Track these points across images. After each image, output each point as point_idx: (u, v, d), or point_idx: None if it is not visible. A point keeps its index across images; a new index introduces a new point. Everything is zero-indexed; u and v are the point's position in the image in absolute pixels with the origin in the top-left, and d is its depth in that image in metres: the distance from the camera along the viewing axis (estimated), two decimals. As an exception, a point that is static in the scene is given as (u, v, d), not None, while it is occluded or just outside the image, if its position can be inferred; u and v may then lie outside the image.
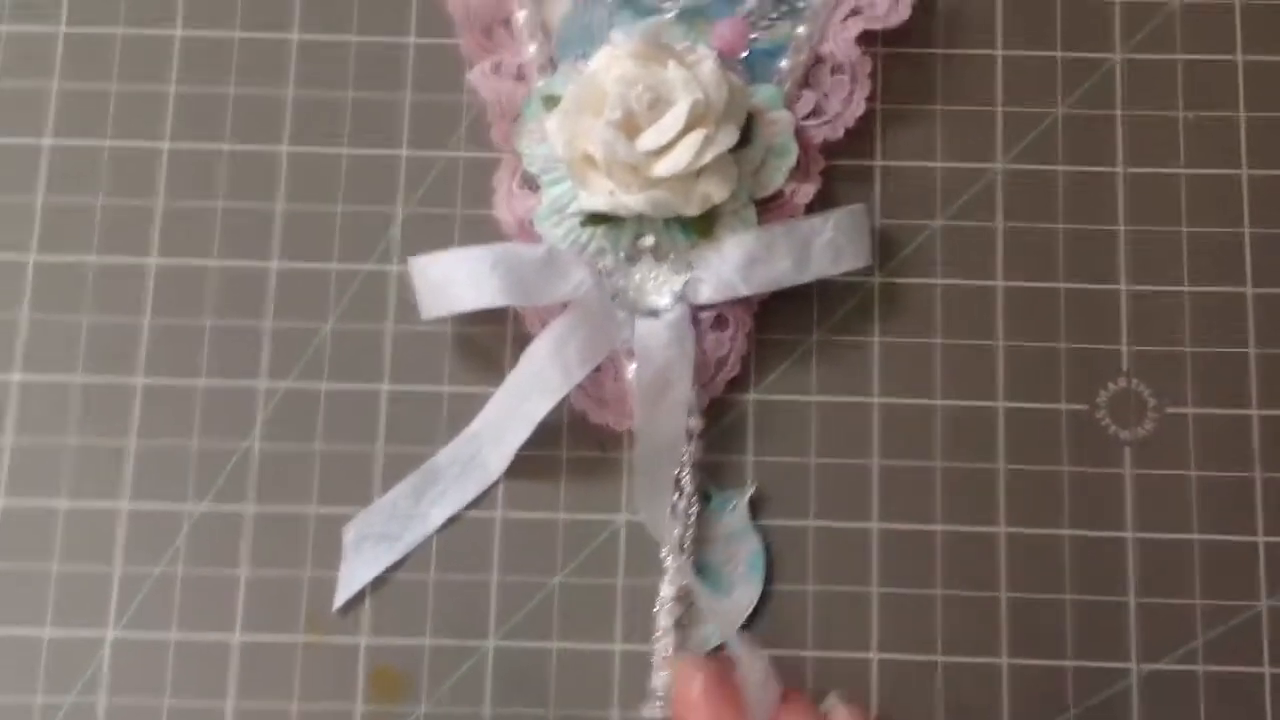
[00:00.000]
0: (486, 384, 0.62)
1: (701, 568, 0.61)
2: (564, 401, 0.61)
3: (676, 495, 0.61)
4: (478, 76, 0.64)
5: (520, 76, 0.64)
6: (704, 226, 0.61)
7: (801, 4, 0.64)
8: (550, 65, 0.64)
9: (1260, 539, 0.61)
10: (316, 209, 0.64)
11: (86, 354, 0.63)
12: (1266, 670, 0.60)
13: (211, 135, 0.65)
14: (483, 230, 0.64)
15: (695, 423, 0.61)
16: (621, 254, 0.62)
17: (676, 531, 0.61)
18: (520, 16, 0.64)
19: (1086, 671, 0.60)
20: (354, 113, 0.65)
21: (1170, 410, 0.62)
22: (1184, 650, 0.60)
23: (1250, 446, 0.62)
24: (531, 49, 0.64)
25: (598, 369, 0.62)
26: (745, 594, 0.61)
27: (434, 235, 0.64)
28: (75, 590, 0.61)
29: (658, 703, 0.60)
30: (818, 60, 0.64)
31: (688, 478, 0.61)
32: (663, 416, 0.61)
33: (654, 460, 0.61)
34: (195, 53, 0.66)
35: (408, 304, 0.62)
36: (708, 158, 0.60)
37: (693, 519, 0.61)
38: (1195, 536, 0.61)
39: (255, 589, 0.61)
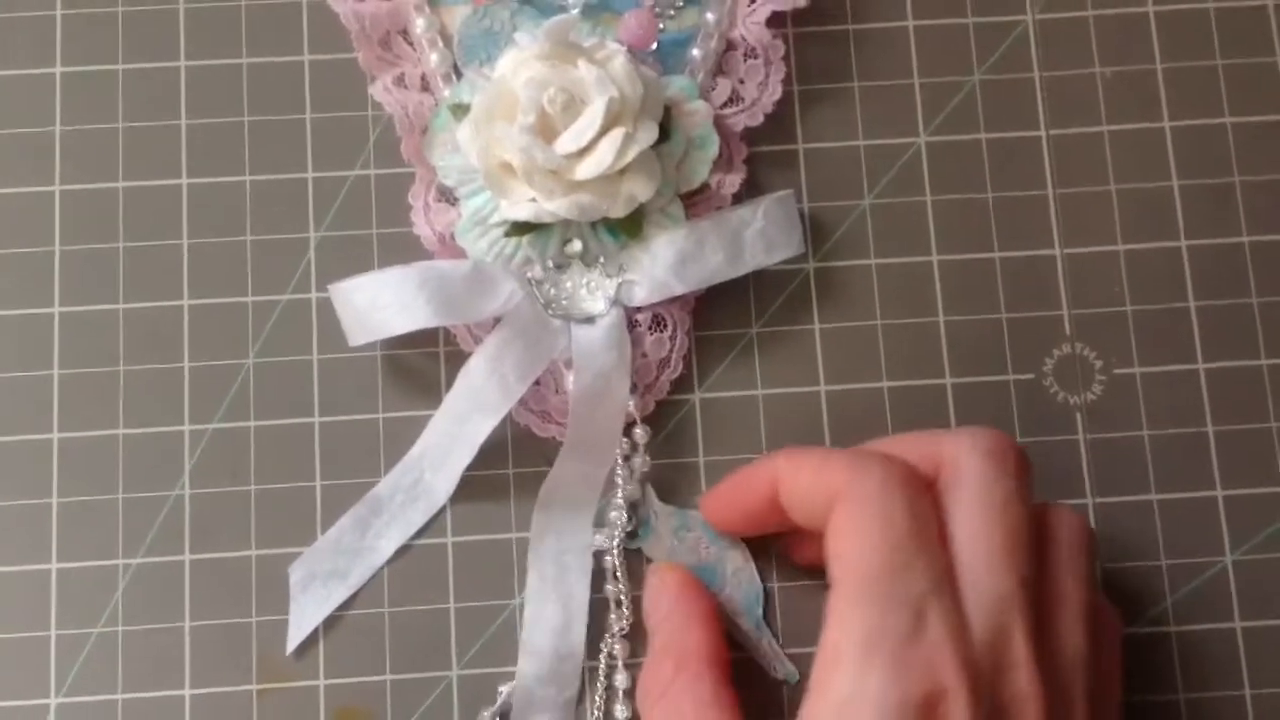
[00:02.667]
0: (423, 407, 0.61)
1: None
2: (506, 417, 0.60)
3: (620, 514, 0.60)
4: (381, 90, 0.62)
5: (425, 87, 0.62)
6: (632, 227, 0.60)
7: (706, -11, 0.63)
8: (454, 73, 0.62)
9: (1219, 493, 0.61)
10: (225, 241, 0.62)
11: (-4, 412, 0.62)
12: (1238, 625, 0.60)
13: (104, 174, 0.63)
14: (402, 248, 0.62)
15: (642, 433, 0.61)
16: (550, 262, 0.60)
17: (610, 559, 0.60)
18: (418, 25, 0.62)
19: (1060, 642, 0.60)
20: (253, 138, 0.63)
21: (1117, 371, 0.62)
22: (1154, 612, 0.60)
23: (1200, 401, 0.62)
24: (433, 58, 0.62)
25: (537, 382, 0.60)
26: (734, 553, 0.60)
27: (352, 257, 0.62)
28: (11, 659, 0.59)
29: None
30: (729, 46, 0.63)
31: (644, 492, 0.61)
32: (599, 423, 0.60)
33: (582, 469, 0.60)
34: (77, 90, 0.63)
35: (332, 331, 0.60)
36: (630, 156, 0.58)
37: (619, 544, 0.60)
38: (1154, 497, 0.61)
39: (202, 640, 0.59)
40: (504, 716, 0.59)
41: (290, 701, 0.59)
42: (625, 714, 0.59)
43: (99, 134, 0.63)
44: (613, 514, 0.60)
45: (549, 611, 0.60)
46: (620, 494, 0.60)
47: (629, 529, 0.60)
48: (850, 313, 0.62)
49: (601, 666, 0.60)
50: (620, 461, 0.61)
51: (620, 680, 0.60)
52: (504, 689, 0.59)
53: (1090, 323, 0.62)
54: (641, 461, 0.61)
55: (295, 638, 0.60)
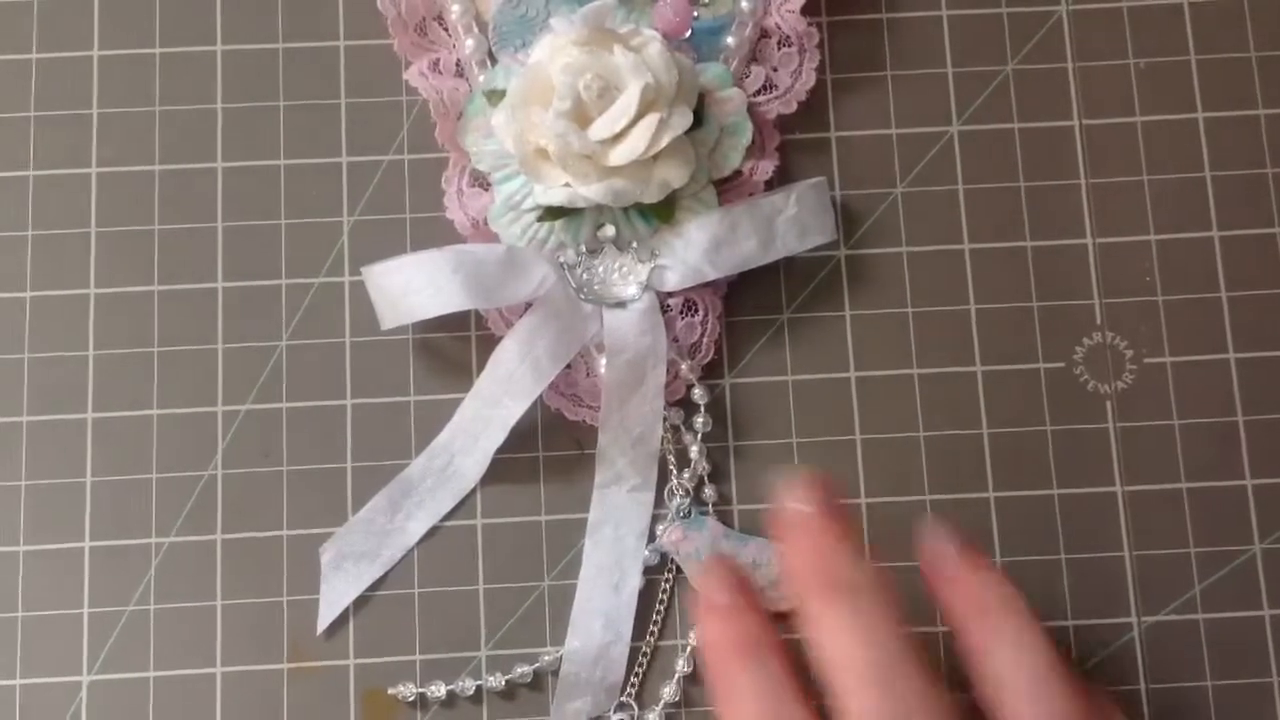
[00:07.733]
0: (454, 390, 0.61)
1: None
2: (537, 401, 0.60)
3: (679, 498, 0.61)
4: (416, 75, 0.62)
5: (460, 72, 0.62)
6: (665, 212, 0.60)
7: (741, -23, 0.63)
8: (489, 59, 0.62)
9: (1249, 482, 0.61)
10: (259, 224, 0.63)
11: (31, 393, 0.61)
12: (1266, 613, 0.60)
13: (140, 157, 0.63)
14: (435, 233, 0.62)
15: (701, 393, 0.61)
16: (582, 246, 0.61)
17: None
18: (454, 11, 0.62)
19: (1088, 629, 0.60)
20: (288, 122, 0.64)
21: (1148, 361, 0.62)
22: (1183, 599, 0.60)
23: (1231, 391, 0.62)
24: (469, 43, 0.62)
25: (568, 366, 0.61)
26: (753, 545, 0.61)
27: (385, 242, 0.62)
28: (45, 636, 0.60)
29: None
30: (763, 34, 0.63)
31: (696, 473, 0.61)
32: (636, 407, 0.60)
33: (624, 454, 0.60)
34: (115, 72, 0.64)
35: (364, 314, 0.61)
36: (664, 142, 0.59)
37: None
38: (1184, 485, 0.61)
39: (233, 619, 0.60)
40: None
41: (320, 681, 0.60)
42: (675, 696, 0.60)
43: (135, 117, 0.63)
44: (675, 501, 0.61)
45: (601, 597, 0.60)
46: (684, 475, 0.61)
47: (684, 512, 0.61)
48: (881, 300, 0.63)
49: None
50: (671, 451, 0.61)
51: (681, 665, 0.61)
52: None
53: (1121, 312, 0.62)
54: (704, 421, 0.61)
55: (326, 618, 0.60)
